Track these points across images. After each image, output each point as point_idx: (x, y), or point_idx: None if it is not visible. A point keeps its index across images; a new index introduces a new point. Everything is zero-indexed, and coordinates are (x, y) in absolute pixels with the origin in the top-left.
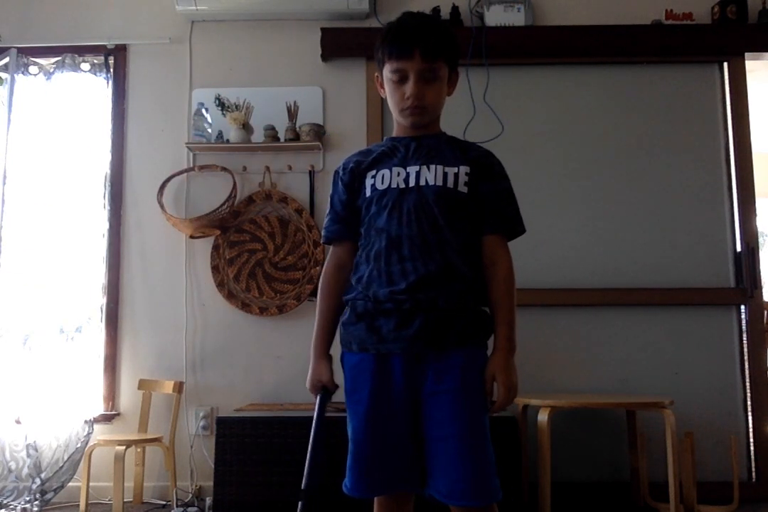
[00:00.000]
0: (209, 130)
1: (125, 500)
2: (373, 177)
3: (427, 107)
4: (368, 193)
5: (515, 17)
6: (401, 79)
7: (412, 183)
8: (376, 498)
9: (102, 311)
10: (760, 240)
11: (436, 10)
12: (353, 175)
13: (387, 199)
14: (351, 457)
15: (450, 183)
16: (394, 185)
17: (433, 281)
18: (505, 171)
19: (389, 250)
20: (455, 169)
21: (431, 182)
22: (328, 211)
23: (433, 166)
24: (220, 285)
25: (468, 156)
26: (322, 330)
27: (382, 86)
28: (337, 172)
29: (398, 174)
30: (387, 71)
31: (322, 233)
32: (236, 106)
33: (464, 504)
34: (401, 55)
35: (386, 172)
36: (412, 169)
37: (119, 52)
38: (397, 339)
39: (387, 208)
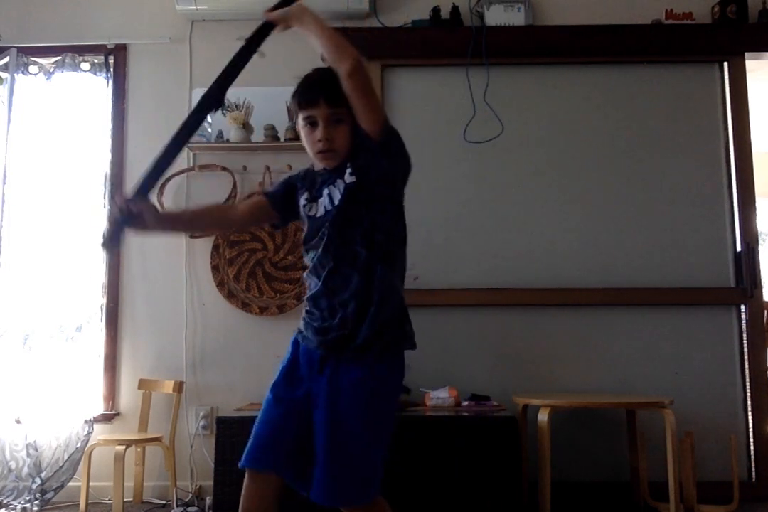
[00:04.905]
0: (209, 130)
1: (125, 500)
2: (305, 205)
3: (337, 150)
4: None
5: (515, 17)
6: (312, 125)
7: (329, 207)
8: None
9: (102, 311)
10: (760, 240)
11: (436, 10)
12: (297, 191)
13: (318, 224)
14: None
15: (340, 195)
16: (320, 213)
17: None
18: None
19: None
20: (343, 175)
21: (329, 208)
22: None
23: (334, 184)
24: (220, 284)
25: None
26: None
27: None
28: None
29: (321, 203)
30: (300, 119)
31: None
32: (236, 106)
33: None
34: (308, 103)
35: (313, 204)
36: (325, 193)
37: (119, 52)
38: (317, 343)
39: (319, 231)
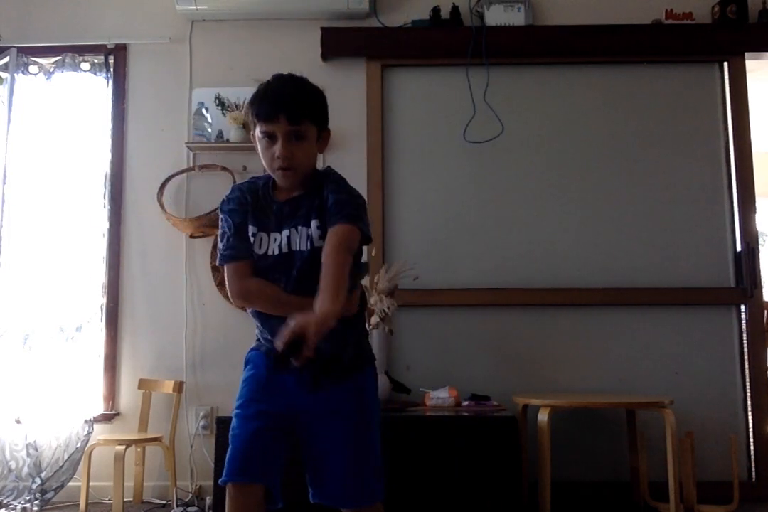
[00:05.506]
0: (209, 130)
1: (125, 499)
2: (254, 235)
3: (295, 168)
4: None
5: (515, 17)
6: (271, 139)
7: (285, 249)
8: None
9: (102, 311)
10: (760, 240)
11: (436, 10)
12: (242, 211)
13: (267, 263)
14: None
15: (307, 245)
16: (270, 252)
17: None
18: (350, 187)
19: None
20: (309, 229)
21: (302, 247)
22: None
23: (297, 229)
24: (220, 285)
25: (320, 202)
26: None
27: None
28: (225, 201)
29: (275, 240)
30: (257, 132)
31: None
32: (236, 106)
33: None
34: (268, 118)
35: (264, 235)
36: (284, 234)
37: (119, 52)
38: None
39: (268, 271)
